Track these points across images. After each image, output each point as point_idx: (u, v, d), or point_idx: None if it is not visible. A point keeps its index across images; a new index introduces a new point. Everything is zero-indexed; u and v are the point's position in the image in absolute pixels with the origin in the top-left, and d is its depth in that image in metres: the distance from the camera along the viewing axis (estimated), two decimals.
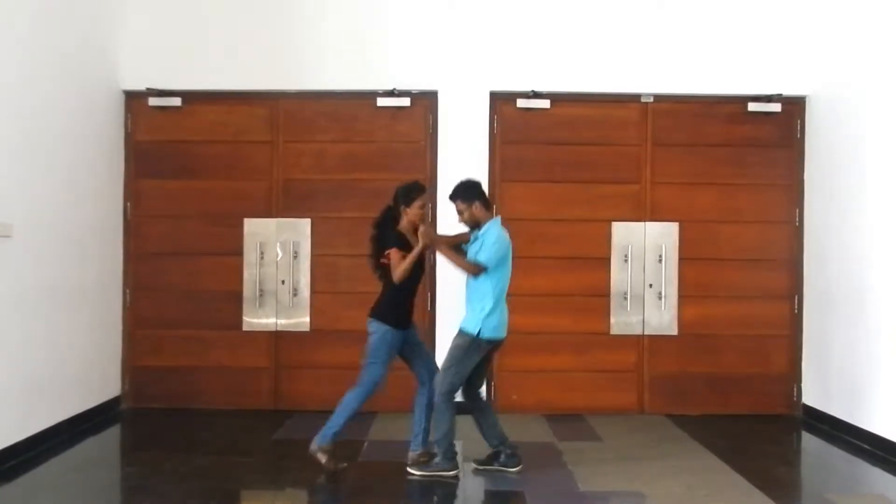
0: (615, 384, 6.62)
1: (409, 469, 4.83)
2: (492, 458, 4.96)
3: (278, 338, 6.59)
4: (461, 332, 4.78)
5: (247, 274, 6.59)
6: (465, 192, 4.82)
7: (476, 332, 4.70)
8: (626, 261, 6.59)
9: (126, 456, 5.71)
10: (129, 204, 6.61)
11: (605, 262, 6.61)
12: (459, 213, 4.85)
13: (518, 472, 4.86)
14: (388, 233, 4.77)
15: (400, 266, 4.65)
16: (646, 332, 6.63)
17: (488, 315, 4.69)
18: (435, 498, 4.69)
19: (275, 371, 6.57)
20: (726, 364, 6.60)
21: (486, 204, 4.85)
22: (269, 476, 4.88)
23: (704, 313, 6.60)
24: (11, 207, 4.93)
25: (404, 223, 4.78)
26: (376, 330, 4.76)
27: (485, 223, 4.79)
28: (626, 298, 6.60)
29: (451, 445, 4.82)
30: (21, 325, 5.10)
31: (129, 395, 6.59)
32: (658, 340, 6.63)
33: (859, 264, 5.84)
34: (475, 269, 4.72)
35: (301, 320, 6.57)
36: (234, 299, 6.58)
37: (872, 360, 5.63)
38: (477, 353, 4.76)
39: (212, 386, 6.56)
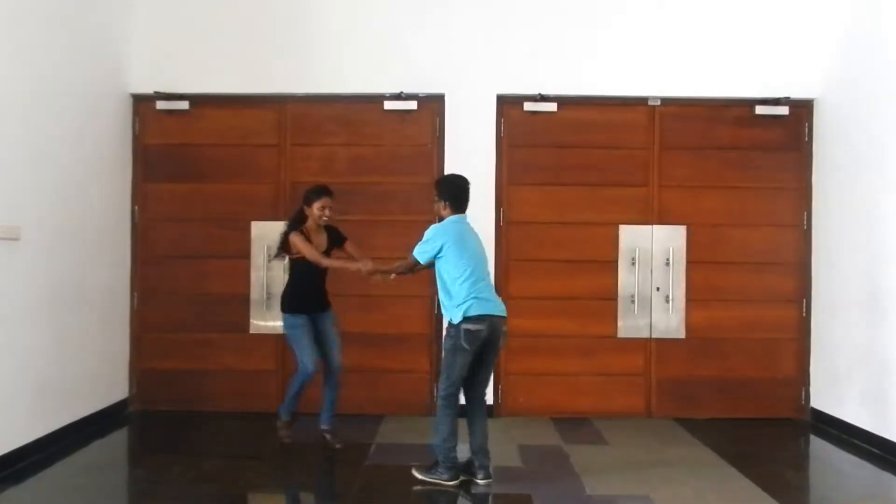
0: (622, 388, 6.60)
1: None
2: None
3: (285, 340, 6.59)
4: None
5: (254, 277, 6.60)
6: (437, 186, 4.90)
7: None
8: (633, 264, 6.58)
9: (134, 459, 5.72)
10: (136, 207, 6.63)
11: (613, 265, 6.60)
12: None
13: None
14: (292, 230, 5.27)
15: (306, 251, 5.15)
16: (653, 336, 6.61)
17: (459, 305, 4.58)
18: (441, 502, 4.68)
19: (282, 374, 6.55)
20: (734, 368, 6.58)
21: (455, 206, 4.76)
22: (277, 479, 4.88)
23: (712, 317, 6.58)
24: (19, 210, 4.95)
25: (310, 222, 5.29)
26: (283, 320, 5.37)
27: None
28: (633, 302, 6.58)
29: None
30: (29, 328, 5.11)
31: (136, 397, 6.61)
32: (665, 344, 6.61)
33: (868, 267, 5.82)
34: (411, 264, 4.77)
35: None
36: (242, 302, 6.59)
37: (882, 363, 5.60)
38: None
39: (219, 389, 6.57)
